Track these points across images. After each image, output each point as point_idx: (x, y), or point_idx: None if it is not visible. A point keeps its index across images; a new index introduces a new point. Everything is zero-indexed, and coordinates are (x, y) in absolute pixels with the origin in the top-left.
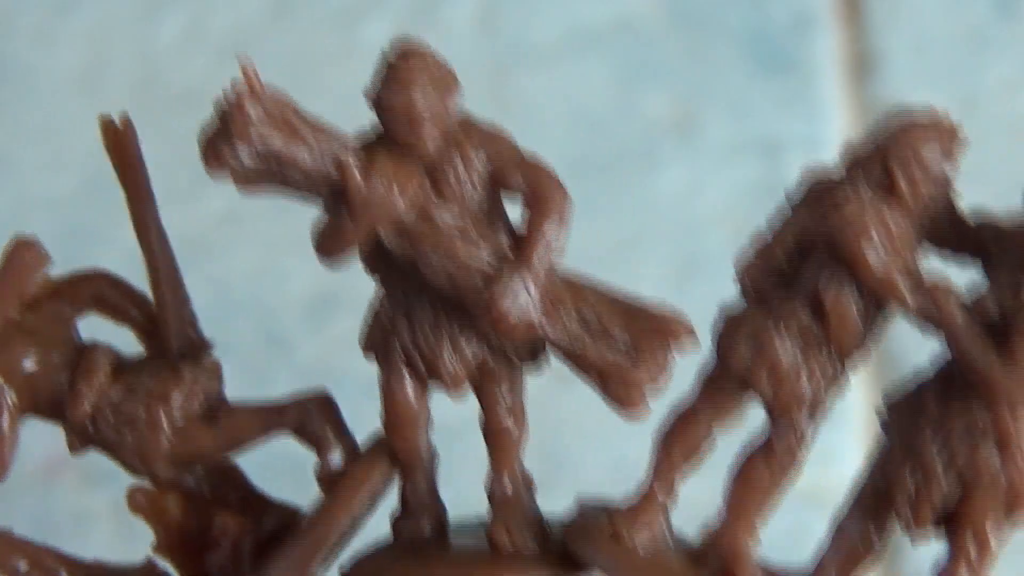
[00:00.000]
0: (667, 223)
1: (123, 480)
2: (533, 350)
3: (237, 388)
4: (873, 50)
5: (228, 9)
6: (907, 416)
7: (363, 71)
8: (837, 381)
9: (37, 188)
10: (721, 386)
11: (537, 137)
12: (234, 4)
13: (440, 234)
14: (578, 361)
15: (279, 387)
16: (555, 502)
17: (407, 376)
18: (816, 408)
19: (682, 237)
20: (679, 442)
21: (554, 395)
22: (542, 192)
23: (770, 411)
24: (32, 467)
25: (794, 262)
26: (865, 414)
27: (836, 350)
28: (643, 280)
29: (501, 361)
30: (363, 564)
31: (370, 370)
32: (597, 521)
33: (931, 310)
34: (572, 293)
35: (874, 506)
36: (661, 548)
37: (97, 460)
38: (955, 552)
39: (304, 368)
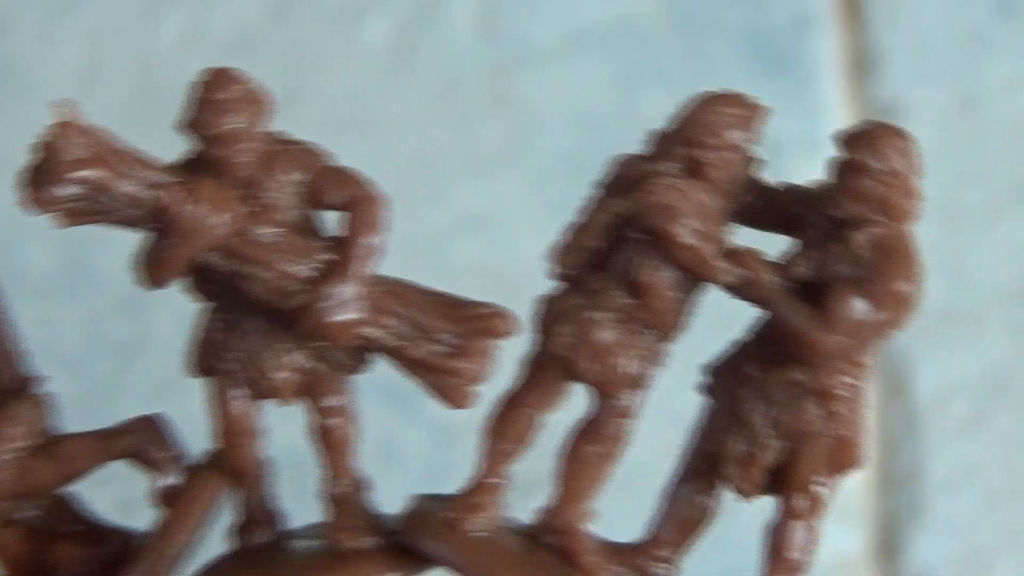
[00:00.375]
0: None
1: (124, 480)
2: (359, 355)
3: None
4: (873, 50)
5: (228, 9)
6: (730, 381)
7: (363, 71)
8: (658, 357)
9: None
10: (544, 371)
11: (537, 137)
12: (234, 4)
13: (262, 251)
14: (404, 361)
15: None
16: None
17: (238, 391)
18: (639, 385)
19: None
20: (507, 428)
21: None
22: (357, 201)
23: (594, 392)
24: None
25: (608, 245)
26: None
27: (655, 327)
28: None
29: (328, 368)
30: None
31: (370, 370)
32: (431, 511)
33: (744, 278)
34: (395, 296)
35: (705, 471)
36: (496, 531)
37: None
38: (788, 511)
39: None
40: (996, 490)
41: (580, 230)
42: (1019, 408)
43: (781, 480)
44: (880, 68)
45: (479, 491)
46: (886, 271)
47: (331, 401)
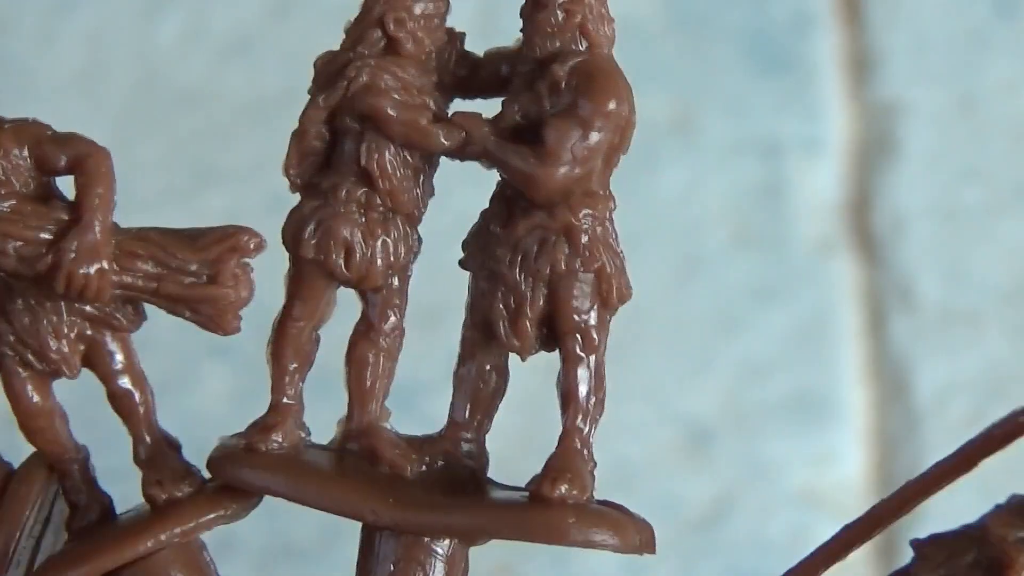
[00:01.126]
0: (667, 223)
1: (124, 480)
2: (127, 309)
3: (238, 388)
4: (873, 50)
5: (228, 9)
6: (482, 246)
7: None
8: (407, 240)
9: None
10: (304, 282)
11: None
12: (234, 4)
13: (4, 223)
14: (163, 300)
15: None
16: None
17: (24, 375)
18: (398, 270)
19: (682, 237)
20: (285, 348)
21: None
22: (81, 159)
23: (356, 288)
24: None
25: (330, 142)
26: (865, 415)
27: (394, 210)
28: (643, 280)
29: (103, 329)
30: (44, 567)
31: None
32: (233, 443)
33: (460, 140)
34: (138, 240)
35: (482, 341)
36: (298, 448)
37: (98, 460)
38: (565, 356)
39: None
40: (995, 490)
41: (299, 136)
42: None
43: (554, 328)
44: (880, 68)
45: (272, 413)
46: (590, 93)
47: (115, 363)
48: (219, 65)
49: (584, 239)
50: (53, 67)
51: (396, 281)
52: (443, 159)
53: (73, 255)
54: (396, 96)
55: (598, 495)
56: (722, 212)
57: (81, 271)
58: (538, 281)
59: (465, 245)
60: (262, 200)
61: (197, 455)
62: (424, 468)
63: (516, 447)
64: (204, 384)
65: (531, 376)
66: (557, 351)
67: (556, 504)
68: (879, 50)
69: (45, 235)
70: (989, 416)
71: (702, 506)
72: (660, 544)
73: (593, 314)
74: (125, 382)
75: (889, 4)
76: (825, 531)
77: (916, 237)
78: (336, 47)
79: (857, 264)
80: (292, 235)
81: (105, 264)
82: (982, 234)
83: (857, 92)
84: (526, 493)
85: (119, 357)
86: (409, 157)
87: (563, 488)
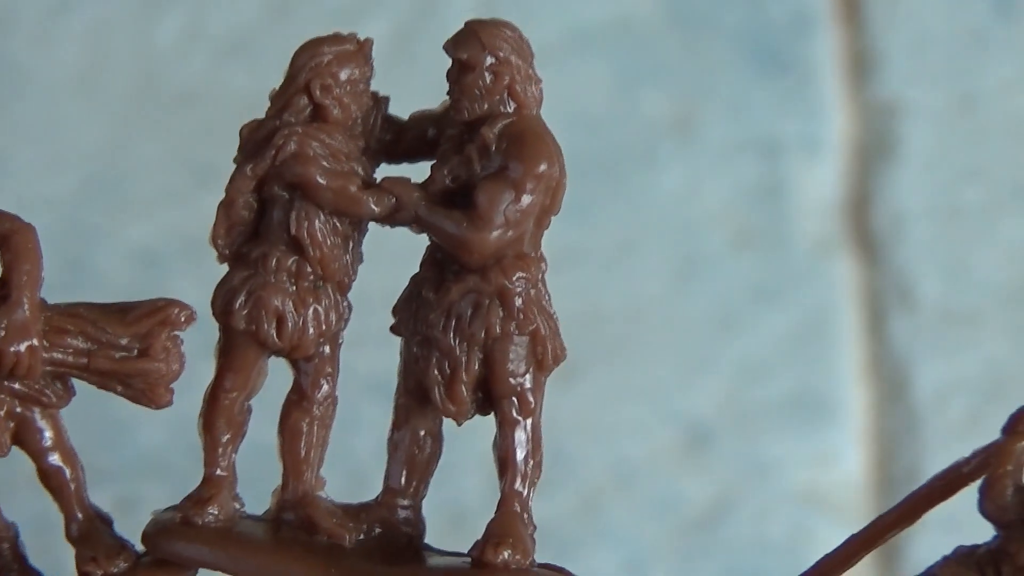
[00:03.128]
0: (667, 223)
1: (124, 480)
2: (55, 386)
3: None
4: (872, 50)
5: (228, 9)
6: (412, 312)
7: None
8: (338, 307)
9: (37, 188)
10: (235, 353)
11: None
12: (234, 4)
13: None
14: (96, 375)
15: (280, 387)
16: (556, 502)
17: None
18: (329, 338)
19: (682, 237)
20: (217, 419)
21: (554, 395)
22: (6, 234)
23: (288, 357)
24: (32, 467)
25: (259, 211)
26: (865, 414)
27: (324, 279)
28: (643, 280)
29: (33, 407)
30: None
31: (371, 370)
32: (168, 517)
33: (389, 206)
34: (67, 316)
35: (417, 407)
36: (233, 518)
37: (97, 460)
38: (501, 420)
39: None
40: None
41: (226, 206)
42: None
43: (490, 392)
44: (879, 68)
45: (206, 485)
46: (520, 155)
47: (46, 442)
48: (219, 65)
49: (518, 302)
50: (52, 67)
51: (328, 349)
52: (372, 224)
53: (3, 333)
54: (325, 164)
55: (598, 495)
56: (722, 212)
57: (12, 349)
58: (473, 345)
59: (396, 311)
60: None
61: (198, 458)
62: (362, 536)
63: None
64: (200, 388)
65: None
66: (492, 415)
67: (499, 570)
68: (879, 50)
69: None
70: (989, 416)
71: (702, 506)
72: (660, 544)
73: (529, 377)
74: (55, 459)
75: (889, 4)
76: (825, 531)
77: (916, 237)
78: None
79: (857, 264)
80: (223, 306)
81: (35, 341)
82: (982, 234)
83: (857, 92)
84: (467, 559)
85: (48, 434)
86: (339, 224)
87: (506, 554)
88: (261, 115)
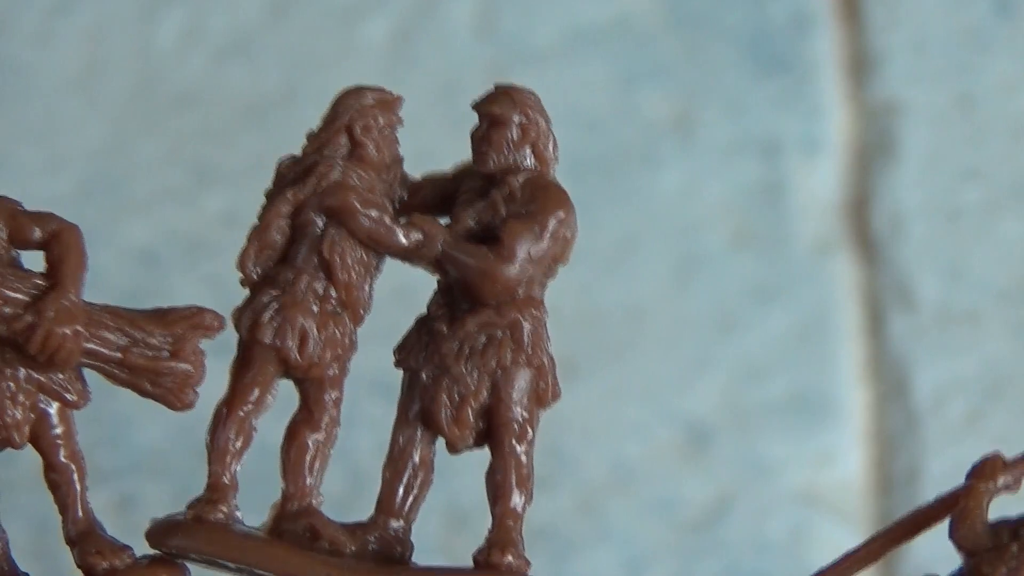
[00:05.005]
0: (667, 223)
1: (124, 480)
2: (80, 385)
3: None
4: (872, 50)
5: (227, 9)
6: (423, 345)
7: (363, 71)
8: (351, 336)
9: (37, 188)
10: (254, 367)
11: None
12: (233, 4)
13: None
14: (124, 369)
15: (280, 387)
16: (556, 502)
17: None
18: (340, 364)
19: (682, 237)
20: (231, 429)
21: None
22: (56, 234)
23: (302, 377)
24: (32, 467)
25: (292, 237)
26: (865, 414)
27: (345, 307)
28: (643, 280)
29: (53, 402)
30: None
31: (371, 370)
32: (177, 516)
33: (418, 241)
34: (106, 311)
35: (415, 437)
36: (236, 520)
37: (97, 460)
38: (498, 449)
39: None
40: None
41: (261, 231)
42: (1018, 408)
43: (490, 425)
44: (879, 68)
45: (213, 489)
46: (545, 201)
47: (59, 439)
48: (219, 65)
49: (528, 337)
50: (53, 67)
51: (337, 372)
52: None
53: (52, 314)
54: (362, 198)
55: (598, 496)
56: (722, 212)
57: (59, 330)
58: (484, 373)
59: (402, 348)
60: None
61: (198, 458)
62: (358, 549)
63: None
64: (206, 385)
65: None
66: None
67: (504, 570)
68: (878, 50)
69: (24, 296)
70: (988, 416)
71: (702, 506)
72: (660, 544)
73: (529, 409)
74: (64, 456)
75: (888, 4)
76: (824, 531)
77: (915, 237)
78: (331, 50)
79: (857, 264)
80: (250, 321)
81: (80, 327)
82: (982, 234)
83: (856, 92)
84: (462, 570)
85: (61, 430)
86: (364, 255)
87: (510, 558)
88: (264, 117)
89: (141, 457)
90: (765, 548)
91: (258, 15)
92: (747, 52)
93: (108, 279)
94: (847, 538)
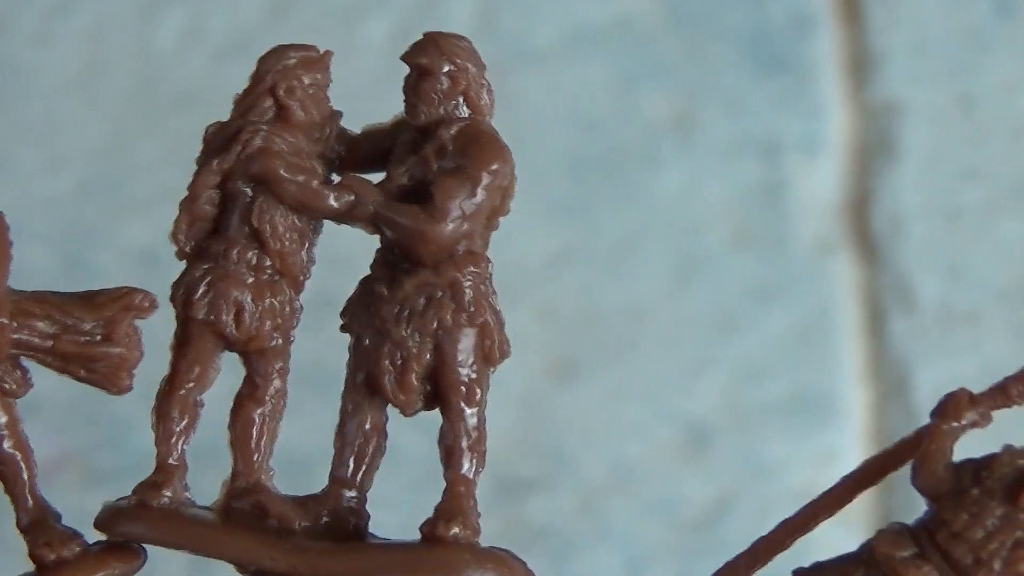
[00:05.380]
0: (667, 223)
1: (124, 480)
2: (16, 371)
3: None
4: (872, 50)
5: (227, 9)
6: (365, 307)
7: (363, 71)
8: (292, 304)
9: (37, 188)
10: (193, 344)
11: (537, 137)
12: (233, 4)
13: None
14: (59, 358)
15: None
16: (556, 502)
17: None
18: (282, 333)
19: (682, 237)
20: (174, 409)
21: (554, 395)
22: None
23: (243, 350)
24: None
25: (221, 207)
26: (865, 414)
27: (282, 274)
28: (643, 280)
29: None
30: None
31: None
32: (123, 502)
33: (349, 202)
34: (34, 300)
35: (364, 400)
36: (184, 503)
37: (97, 460)
38: (448, 410)
39: (304, 368)
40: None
41: (190, 201)
42: (1018, 408)
43: (437, 388)
44: (879, 68)
45: (159, 471)
46: (476, 154)
47: (2, 429)
48: (219, 65)
49: (469, 295)
50: (53, 67)
51: (280, 343)
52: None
53: None
54: (289, 159)
55: (598, 495)
56: (722, 212)
57: None
58: (425, 336)
59: (346, 310)
60: None
61: (198, 458)
62: (309, 523)
63: (515, 447)
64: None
65: (531, 376)
66: (438, 409)
67: (451, 543)
68: (879, 50)
69: None
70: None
71: (702, 506)
72: (660, 544)
73: (476, 368)
74: (9, 447)
75: (888, 4)
76: (824, 531)
77: (916, 237)
78: (333, 49)
79: (857, 264)
80: (183, 297)
81: (5, 320)
82: (982, 234)
83: (856, 92)
84: (413, 543)
85: (3, 421)
86: (297, 221)
87: (456, 529)
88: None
89: (140, 458)
90: None
91: (258, 15)
92: (747, 52)
93: (108, 279)
94: (847, 538)
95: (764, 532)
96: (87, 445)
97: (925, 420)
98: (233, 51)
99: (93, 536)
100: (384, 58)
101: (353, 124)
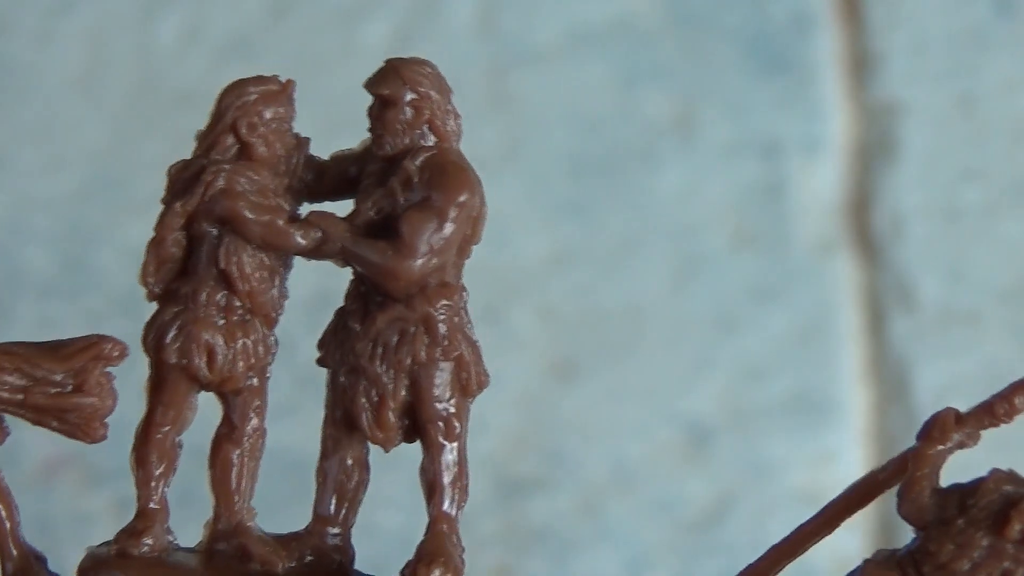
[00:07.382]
0: (667, 223)
1: (123, 480)
2: None
3: None
4: (873, 50)
5: (228, 9)
6: (339, 343)
7: (363, 71)
8: (266, 341)
9: (37, 188)
10: (167, 387)
11: (537, 137)
12: (234, 4)
13: None
14: (31, 411)
15: (281, 388)
16: (556, 502)
17: None
18: (257, 371)
19: (682, 237)
20: (149, 454)
21: (554, 395)
22: None
23: (218, 391)
24: (32, 467)
25: (188, 249)
26: (865, 415)
27: (253, 313)
28: (643, 280)
29: None
30: None
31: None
32: (104, 550)
33: (316, 239)
34: (2, 355)
35: (344, 437)
36: (167, 550)
37: (97, 460)
38: (428, 445)
39: (304, 368)
40: None
41: (156, 244)
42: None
43: (415, 422)
44: (880, 68)
45: (140, 518)
46: (443, 186)
47: None
48: (219, 65)
49: (443, 329)
50: (53, 67)
51: (256, 382)
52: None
53: None
54: (252, 199)
55: (598, 496)
56: (722, 212)
57: None
58: (400, 372)
59: (321, 344)
60: None
61: (197, 459)
62: (293, 564)
63: (515, 447)
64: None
65: (531, 376)
66: (419, 442)
67: None
68: (879, 50)
69: None
70: None
71: (702, 506)
72: (660, 544)
73: (453, 402)
74: None
75: (889, 4)
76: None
77: (916, 237)
78: (331, 50)
79: (857, 264)
80: (154, 342)
81: None
82: (982, 234)
83: (857, 92)
84: None
85: None
86: (265, 259)
87: (437, 572)
88: None
89: None
90: (765, 548)
91: (258, 15)
92: (747, 52)
93: (108, 279)
94: (847, 539)
95: (764, 532)
96: (87, 445)
97: (925, 420)
98: (233, 51)
99: (93, 534)
100: (384, 59)
101: (353, 125)
